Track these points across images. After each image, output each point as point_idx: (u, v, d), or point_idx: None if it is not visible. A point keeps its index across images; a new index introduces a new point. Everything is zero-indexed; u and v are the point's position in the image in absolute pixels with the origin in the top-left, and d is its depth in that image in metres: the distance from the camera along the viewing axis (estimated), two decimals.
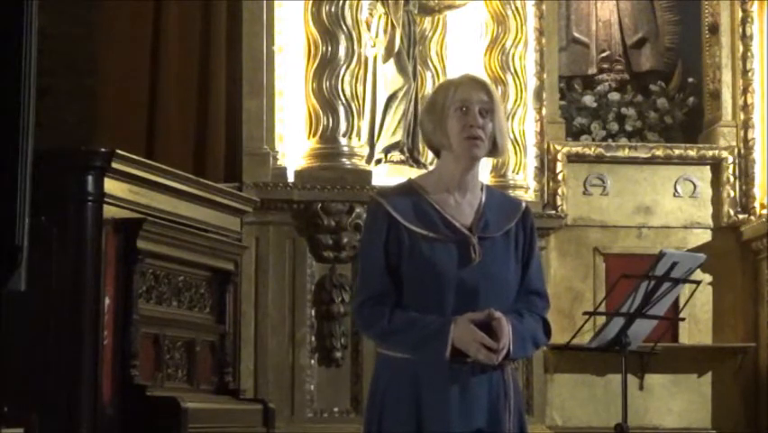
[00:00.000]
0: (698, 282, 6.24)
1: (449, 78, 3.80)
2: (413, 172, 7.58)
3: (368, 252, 3.44)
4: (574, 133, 9.38)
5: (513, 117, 8.69)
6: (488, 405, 3.37)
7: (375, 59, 8.35)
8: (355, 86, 7.93)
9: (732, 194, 9.16)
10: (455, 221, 3.41)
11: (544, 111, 9.03)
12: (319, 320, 7.80)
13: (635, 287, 5.89)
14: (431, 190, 3.44)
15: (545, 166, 9.05)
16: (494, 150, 3.43)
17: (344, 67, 7.86)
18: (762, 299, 8.97)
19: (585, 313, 6.68)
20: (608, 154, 9.21)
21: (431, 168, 8.26)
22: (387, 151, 8.35)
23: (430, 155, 8.61)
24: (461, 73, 3.61)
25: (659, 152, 9.24)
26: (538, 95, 8.99)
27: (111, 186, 5.67)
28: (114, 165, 5.66)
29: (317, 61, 7.87)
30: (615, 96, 9.52)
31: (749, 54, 9.22)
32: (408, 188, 3.48)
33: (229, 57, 7.69)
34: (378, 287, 3.38)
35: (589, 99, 9.51)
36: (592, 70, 9.68)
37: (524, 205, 3.56)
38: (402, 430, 3.34)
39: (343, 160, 7.88)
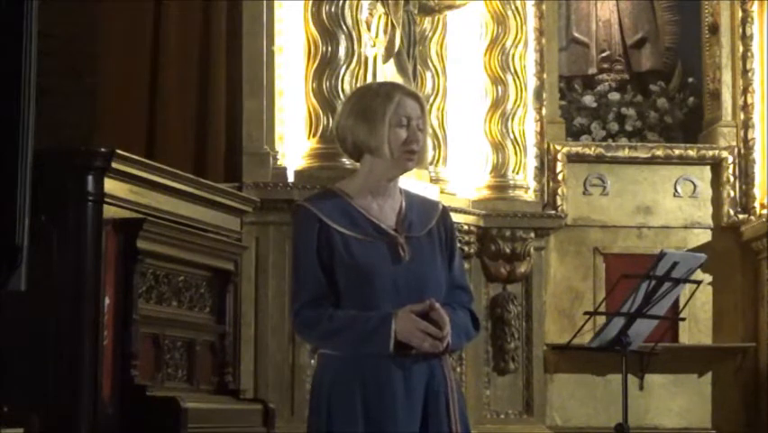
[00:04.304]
0: (698, 282, 6.24)
1: (377, 86, 3.87)
2: (412, 172, 7.57)
3: (301, 257, 3.48)
4: (574, 133, 9.38)
5: (513, 117, 8.69)
6: (426, 397, 3.41)
7: (375, 59, 8.34)
8: (355, 86, 7.92)
9: (732, 194, 9.16)
10: (381, 223, 3.49)
11: (543, 111, 9.03)
12: None
13: (636, 287, 5.89)
14: (354, 195, 3.51)
15: (545, 166, 9.06)
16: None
17: (344, 67, 7.85)
18: (762, 299, 8.97)
19: (585, 313, 6.68)
20: (608, 154, 9.21)
21: (429, 168, 8.33)
22: None
23: (431, 155, 8.62)
24: (389, 81, 3.68)
25: (659, 152, 9.24)
26: (538, 95, 9.00)
27: (111, 186, 5.66)
28: (114, 165, 5.65)
29: (317, 61, 7.86)
30: (615, 96, 9.53)
31: (749, 54, 9.22)
32: (332, 194, 3.55)
33: (229, 57, 7.68)
34: (315, 290, 3.42)
35: (589, 99, 9.51)
36: (592, 70, 9.68)
37: (441, 205, 3.69)
38: (351, 431, 3.36)
39: (343, 160, 7.85)
